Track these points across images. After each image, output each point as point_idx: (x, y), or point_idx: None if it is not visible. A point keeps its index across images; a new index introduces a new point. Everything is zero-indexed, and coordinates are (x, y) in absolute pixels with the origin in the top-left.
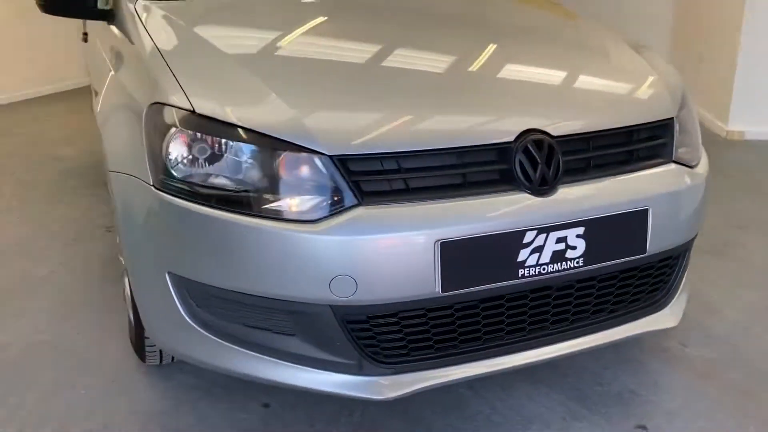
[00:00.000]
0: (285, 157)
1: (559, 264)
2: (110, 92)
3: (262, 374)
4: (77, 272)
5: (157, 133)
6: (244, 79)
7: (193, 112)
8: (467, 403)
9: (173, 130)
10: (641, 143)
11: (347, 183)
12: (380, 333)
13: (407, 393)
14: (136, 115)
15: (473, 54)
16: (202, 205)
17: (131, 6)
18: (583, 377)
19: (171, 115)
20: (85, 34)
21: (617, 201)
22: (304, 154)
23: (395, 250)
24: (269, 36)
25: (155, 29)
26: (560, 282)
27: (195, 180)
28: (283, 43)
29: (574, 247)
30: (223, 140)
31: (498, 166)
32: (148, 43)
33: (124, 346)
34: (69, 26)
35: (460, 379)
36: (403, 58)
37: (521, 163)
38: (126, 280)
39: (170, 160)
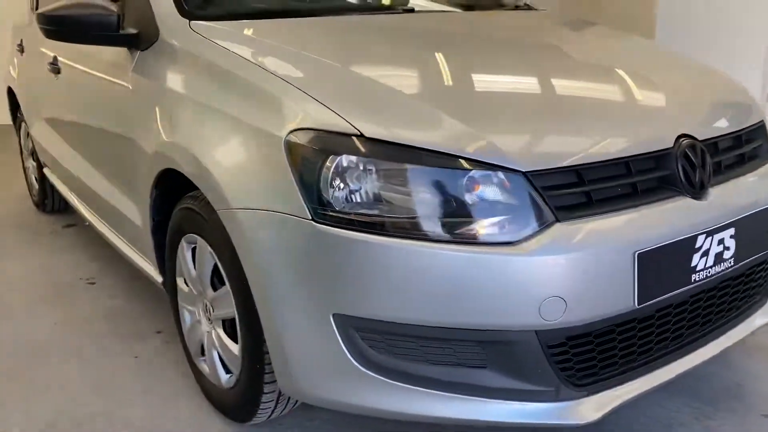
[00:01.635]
0: (473, 176)
1: (719, 266)
2: (197, 123)
3: (445, 413)
4: (85, 332)
5: (311, 161)
6: (399, 100)
7: (361, 136)
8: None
9: (336, 157)
10: (751, 144)
11: (543, 200)
12: (577, 354)
13: (607, 413)
14: (266, 145)
15: (602, 74)
16: (377, 234)
17: (187, 29)
18: (688, 378)
19: (330, 141)
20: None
21: (758, 198)
22: (494, 173)
23: (598, 266)
24: (393, 60)
25: (252, 51)
26: (715, 283)
27: (364, 209)
28: (413, 65)
29: (728, 248)
30: (400, 164)
31: (660, 172)
32: (251, 66)
33: (192, 409)
34: None
35: (647, 390)
36: (547, 81)
37: (683, 168)
38: (211, 333)
39: (334, 189)
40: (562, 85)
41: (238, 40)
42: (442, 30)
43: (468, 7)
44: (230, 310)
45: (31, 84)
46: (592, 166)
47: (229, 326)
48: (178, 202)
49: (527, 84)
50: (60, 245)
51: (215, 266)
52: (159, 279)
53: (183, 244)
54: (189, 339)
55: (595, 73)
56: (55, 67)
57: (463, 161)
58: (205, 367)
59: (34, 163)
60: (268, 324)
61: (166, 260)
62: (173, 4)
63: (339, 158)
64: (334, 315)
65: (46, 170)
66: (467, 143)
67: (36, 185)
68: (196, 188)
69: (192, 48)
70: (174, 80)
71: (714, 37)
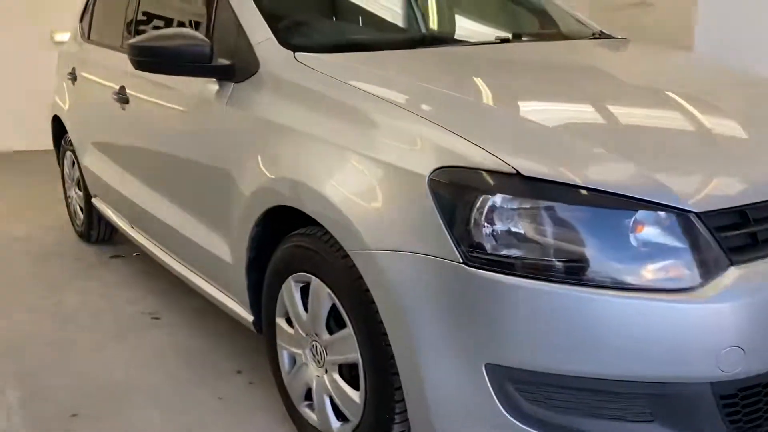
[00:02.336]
0: (642, 217)
1: None
2: (318, 159)
3: None
4: (161, 372)
5: (461, 201)
6: (549, 135)
7: (517, 174)
8: None
9: (489, 196)
10: None
11: (717, 242)
12: (746, 406)
13: None
14: (406, 184)
15: (741, 109)
16: (535, 279)
17: (292, 61)
18: None
19: (482, 180)
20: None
21: None
22: (665, 213)
23: None
24: (523, 93)
25: (374, 85)
26: None
27: (521, 251)
28: (547, 98)
29: None
30: (561, 204)
31: None
32: (378, 101)
33: None
34: None
35: None
36: (689, 116)
37: None
38: (322, 378)
39: (487, 230)
40: (709, 121)
41: (353, 73)
42: (554, 61)
43: (537, 36)
44: (352, 354)
45: (85, 114)
46: (758, 205)
47: (347, 371)
48: (282, 239)
49: (672, 119)
50: (112, 277)
51: (332, 308)
52: (249, 318)
53: (290, 283)
54: (291, 383)
55: (733, 108)
56: (122, 98)
57: (631, 201)
58: (311, 414)
59: (80, 193)
60: (409, 372)
61: (263, 299)
62: (273, 36)
63: (492, 198)
64: (486, 365)
65: (95, 200)
66: (633, 182)
67: (81, 215)
68: (304, 225)
69: (302, 81)
70: (283, 114)
71: (754, 52)
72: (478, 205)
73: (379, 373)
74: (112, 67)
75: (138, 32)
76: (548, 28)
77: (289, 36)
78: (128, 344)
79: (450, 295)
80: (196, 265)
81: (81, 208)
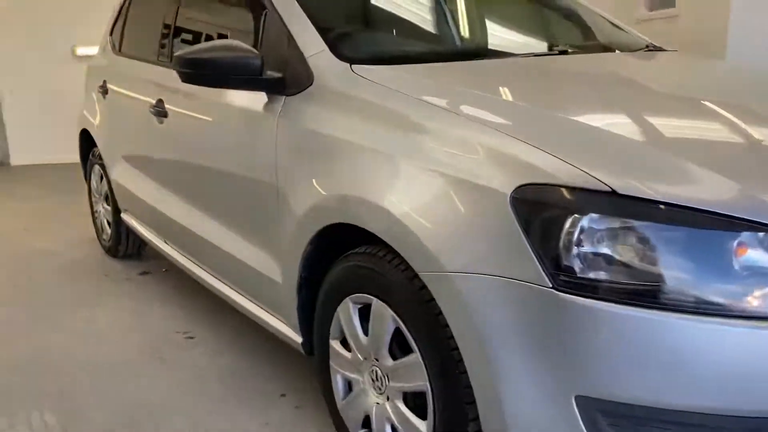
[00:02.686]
0: (749, 239)
1: None
2: (382, 175)
3: None
4: (202, 395)
5: (549, 221)
6: (639, 150)
7: (612, 192)
8: None
9: (580, 216)
10: None
11: None
12: None
13: None
14: (485, 202)
15: None
16: (633, 305)
17: (350, 73)
18: None
19: (572, 199)
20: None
21: None
22: None
23: None
24: (599, 106)
25: (442, 98)
26: None
27: (616, 275)
28: (624, 111)
29: None
30: (661, 224)
31: None
32: (447, 114)
33: None
34: None
35: None
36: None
37: None
38: (383, 406)
39: (579, 252)
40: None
41: (417, 86)
42: (617, 73)
43: (592, 48)
44: (419, 382)
45: (117, 128)
46: None
47: (412, 399)
48: (338, 258)
49: (758, 133)
50: (143, 294)
51: (396, 332)
52: (297, 339)
53: (348, 304)
54: (346, 409)
55: None
56: (159, 112)
57: (734, 221)
58: None
59: (108, 207)
60: (488, 403)
61: (316, 320)
62: (327, 48)
63: (584, 218)
64: (577, 397)
65: (125, 215)
66: (735, 200)
67: (109, 230)
68: (361, 243)
69: (363, 94)
70: (342, 128)
71: None
72: (568, 225)
73: (451, 402)
74: (149, 80)
75: (176, 45)
76: (600, 40)
77: (344, 48)
78: (164, 365)
79: (537, 322)
80: (238, 283)
81: (109, 223)
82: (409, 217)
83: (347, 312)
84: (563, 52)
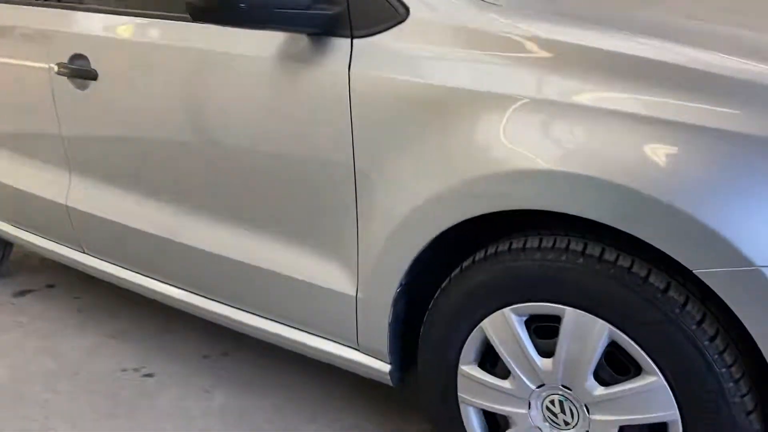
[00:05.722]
0: None
1: None
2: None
3: None
4: None
5: None
6: None
7: None
8: None
9: None
10: None
11: None
12: None
13: None
14: None
15: None
16: None
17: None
18: None
19: None
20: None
21: None
22: None
23: None
24: None
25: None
26: None
27: None
28: None
29: None
30: None
31: None
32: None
33: None
34: None
35: None
36: None
37: None
38: None
39: None
40: None
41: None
42: None
43: None
44: (658, 413)
45: None
46: None
47: None
48: (476, 259)
49: None
50: (40, 321)
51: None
52: (382, 369)
53: (506, 317)
54: None
55: None
56: (79, 72)
57: None
58: None
59: None
60: None
61: (424, 342)
62: None
63: None
64: None
65: (4, 225)
66: None
67: None
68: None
69: (518, 28)
70: (485, 79)
71: None
72: None
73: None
74: (50, 30)
75: None
76: None
77: None
78: (133, 421)
79: None
80: (268, 306)
81: None
82: (671, 194)
83: (505, 327)
84: None
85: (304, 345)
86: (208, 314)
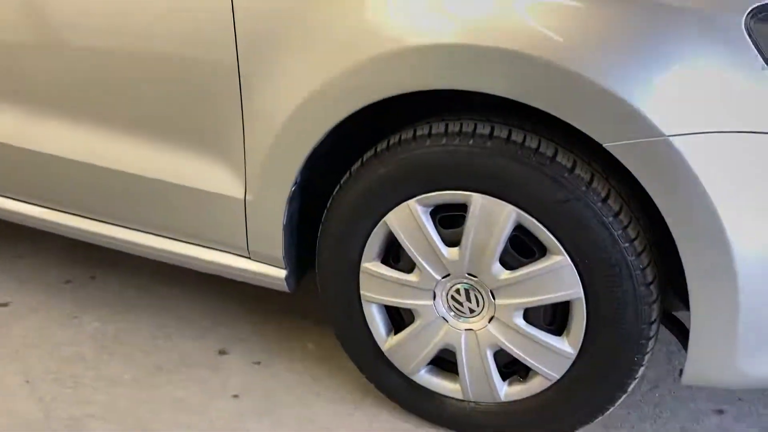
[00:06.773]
0: None
1: None
2: None
3: None
4: None
5: None
6: None
7: None
8: None
9: None
10: None
11: None
12: None
13: None
14: None
15: None
16: None
17: None
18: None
19: None
20: None
21: None
22: None
23: None
24: None
25: None
26: None
27: None
28: None
29: None
30: None
31: None
32: None
33: None
34: None
35: None
36: None
37: None
38: (486, 331)
39: None
40: None
41: None
42: None
43: None
44: (564, 292)
45: None
46: None
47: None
48: (369, 153)
49: None
50: None
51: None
52: (278, 274)
53: (412, 209)
54: (401, 348)
55: None
56: None
57: None
58: (443, 383)
59: None
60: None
61: (323, 242)
62: None
63: None
64: None
65: None
66: None
67: None
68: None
69: None
70: None
71: None
72: None
73: (621, 306)
74: None
75: None
76: None
77: None
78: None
79: None
80: (153, 218)
81: None
82: (579, 63)
83: (410, 220)
84: None
85: (190, 258)
86: (76, 232)
